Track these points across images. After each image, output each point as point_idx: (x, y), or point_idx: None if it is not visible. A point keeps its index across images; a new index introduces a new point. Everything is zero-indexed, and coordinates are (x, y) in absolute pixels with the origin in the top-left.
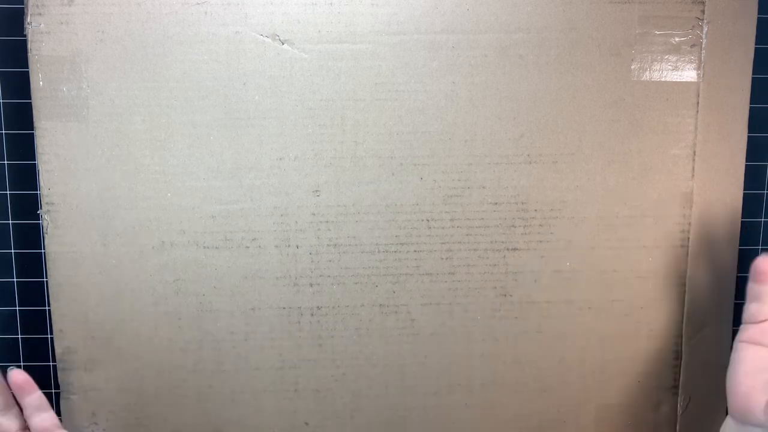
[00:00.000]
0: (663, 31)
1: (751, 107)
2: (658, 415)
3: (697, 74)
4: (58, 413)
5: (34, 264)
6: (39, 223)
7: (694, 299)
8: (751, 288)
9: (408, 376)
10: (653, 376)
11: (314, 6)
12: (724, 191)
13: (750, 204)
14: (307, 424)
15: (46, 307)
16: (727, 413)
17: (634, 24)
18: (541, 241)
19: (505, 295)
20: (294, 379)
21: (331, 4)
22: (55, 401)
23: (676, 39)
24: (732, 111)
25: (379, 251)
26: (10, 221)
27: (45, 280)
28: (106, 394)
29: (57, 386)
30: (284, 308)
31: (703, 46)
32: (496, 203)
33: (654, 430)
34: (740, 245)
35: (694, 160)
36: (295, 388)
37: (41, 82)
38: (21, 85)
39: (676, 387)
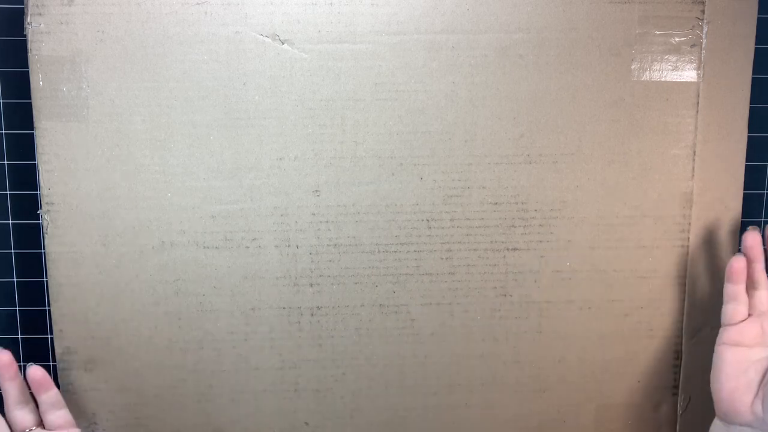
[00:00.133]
0: (663, 31)
1: (751, 107)
2: (658, 415)
3: (697, 74)
4: None
5: (34, 264)
6: (39, 223)
7: (694, 299)
8: (727, 288)
9: (408, 376)
10: (653, 376)
11: (314, 6)
12: (724, 191)
13: (750, 204)
14: (307, 424)
15: (46, 307)
16: None
17: (634, 24)
18: (541, 241)
19: (505, 295)
20: (294, 379)
21: (331, 4)
22: None
23: (676, 39)
24: (732, 111)
25: (379, 251)
26: (10, 221)
27: (45, 280)
28: (106, 394)
29: (57, 386)
30: (284, 308)
31: (703, 46)
32: (496, 203)
33: (654, 430)
34: (740, 245)
35: (694, 160)
36: (295, 388)
37: (41, 82)
38: (21, 85)
39: (676, 387)
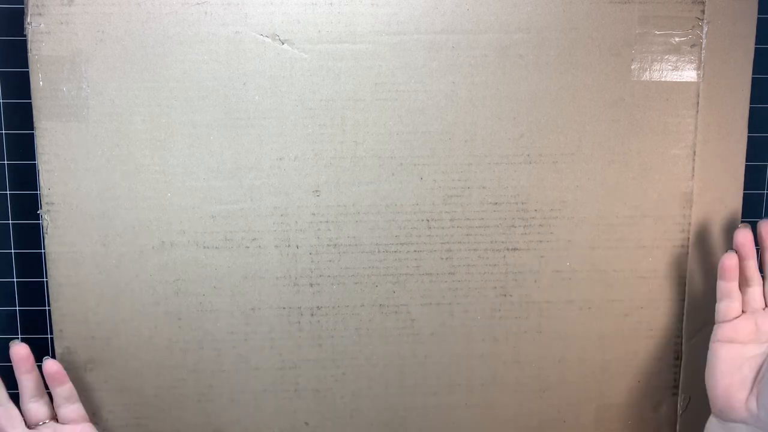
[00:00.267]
0: (663, 31)
1: (751, 107)
2: (658, 415)
3: (697, 74)
4: None
5: (34, 264)
6: (39, 223)
7: (694, 299)
8: (720, 286)
9: (408, 376)
10: (653, 376)
11: (314, 6)
12: (724, 191)
13: (750, 204)
14: (307, 424)
15: (46, 307)
16: None
17: (634, 24)
18: (541, 241)
19: (505, 295)
20: (294, 379)
21: (331, 4)
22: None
23: (676, 39)
24: (732, 111)
25: (379, 251)
26: (10, 221)
27: (45, 280)
28: (106, 394)
29: None
30: (284, 308)
31: (703, 46)
32: (496, 203)
33: (654, 430)
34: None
35: (694, 160)
36: (295, 388)
37: (41, 82)
38: (21, 85)
39: (676, 387)
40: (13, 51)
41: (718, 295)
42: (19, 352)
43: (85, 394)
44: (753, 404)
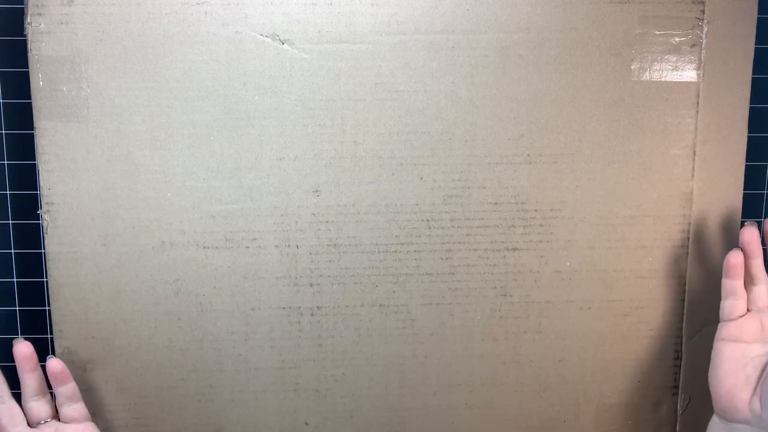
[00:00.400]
0: (663, 31)
1: (751, 107)
2: (658, 414)
3: (697, 74)
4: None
5: (34, 264)
6: (39, 223)
7: (694, 299)
8: (725, 284)
9: (408, 376)
10: (653, 375)
11: (314, 6)
12: (724, 191)
13: (750, 204)
14: (307, 424)
15: (46, 307)
16: None
17: (634, 24)
18: (541, 241)
19: (505, 295)
20: (294, 379)
21: (331, 4)
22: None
23: (676, 39)
24: (732, 111)
25: (379, 251)
26: (10, 221)
27: (45, 280)
28: (106, 394)
29: None
30: (284, 308)
31: (703, 46)
32: (496, 203)
33: (654, 430)
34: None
35: (694, 160)
36: (295, 388)
37: (41, 82)
38: (21, 85)
39: (676, 387)
40: (13, 51)
41: (723, 293)
42: (23, 350)
43: (85, 394)
44: (756, 405)
